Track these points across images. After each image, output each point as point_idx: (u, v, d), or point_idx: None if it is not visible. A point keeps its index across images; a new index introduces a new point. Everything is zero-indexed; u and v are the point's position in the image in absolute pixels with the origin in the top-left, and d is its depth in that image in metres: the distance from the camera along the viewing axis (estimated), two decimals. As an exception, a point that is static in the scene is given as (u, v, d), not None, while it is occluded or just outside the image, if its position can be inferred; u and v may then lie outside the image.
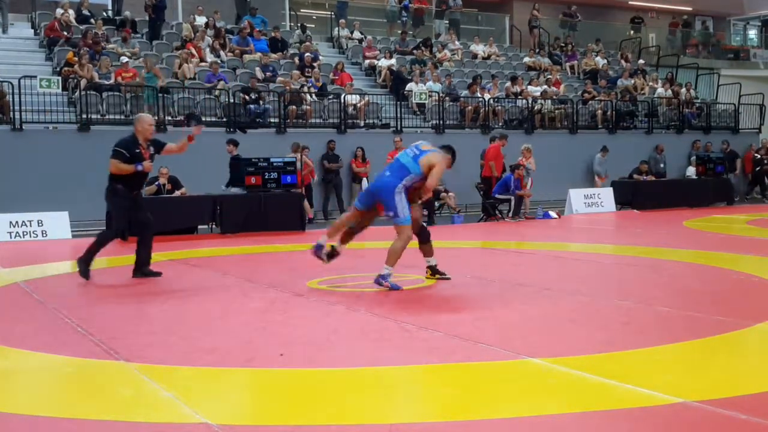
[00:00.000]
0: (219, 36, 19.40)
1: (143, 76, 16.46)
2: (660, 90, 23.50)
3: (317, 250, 7.71)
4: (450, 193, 16.27)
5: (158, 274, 8.43)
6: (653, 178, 19.24)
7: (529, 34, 26.17)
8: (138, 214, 8.41)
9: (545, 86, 21.61)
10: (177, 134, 15.93)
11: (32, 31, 19.46)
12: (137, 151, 8.21)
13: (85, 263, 8.24)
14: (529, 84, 21.42)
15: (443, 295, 7.07)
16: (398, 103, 18.82)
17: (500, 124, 20.06)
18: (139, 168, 8.19)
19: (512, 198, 15.66)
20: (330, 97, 18.50)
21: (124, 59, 16.99)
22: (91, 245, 8.34)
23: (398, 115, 18.54)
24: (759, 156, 22.34)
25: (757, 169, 22.30)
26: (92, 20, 18.82)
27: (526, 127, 20.17)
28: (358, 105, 18.36)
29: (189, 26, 19.51)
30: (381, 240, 11.03)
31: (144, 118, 8.52)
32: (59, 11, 18.26)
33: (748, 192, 22.40)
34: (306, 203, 14.75)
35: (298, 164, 15.76)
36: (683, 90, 23.81)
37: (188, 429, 3.63)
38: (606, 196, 18.04)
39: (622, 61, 25.59)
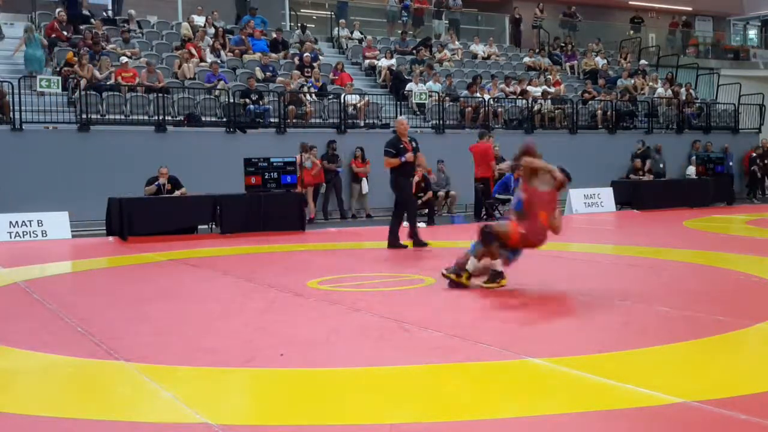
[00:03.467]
0: (218, 36, 19.38)
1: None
2: (660, 90, 23.49)
3: (507, 259, 7.19)
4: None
5: (426, 244, 10.54)
6: (652, 177, 19.22)
7: (516, 31, 26.07)
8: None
9: (545, 86, 21.60)
10: (177, 134, 16.04)
11: (32, 31, 19.42)
12: (401, 146, 10.39)
13: (394, 241, 10.49)
14: (529, 84, 21.40)
15: (443, 295, 7.07)
16: (398, 103, 18.82)
17: (500, 124, 20.05)
18: (403, 159, 10.33)
19: (512, 198, 15.59)
20: (330, 97, 18.49)
21: (124, 59, 16.99)
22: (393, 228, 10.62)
23: (398, 115, 18.50)
24: (754, 155, 22.34)
25: (752, 168, 22.27)
26: (92, 20, 18.81)
27: (526, 127, 20.16)
28: (358, 105, 18.35)
29: (188, 26, 19.49)
30: (380, 240, 11.07)
31: (399, 120, 11.15)
32: (59, 11, 18.24)
33: (749, 193, 22.36)
34: (311, 203, 14.72)
35: (308, 163, 15.78)
36: (683, 90, 23.80)
37: (188, 429, 3.63)
38: (606, 196, 18.02)
39: (622, 61, 25.58)
